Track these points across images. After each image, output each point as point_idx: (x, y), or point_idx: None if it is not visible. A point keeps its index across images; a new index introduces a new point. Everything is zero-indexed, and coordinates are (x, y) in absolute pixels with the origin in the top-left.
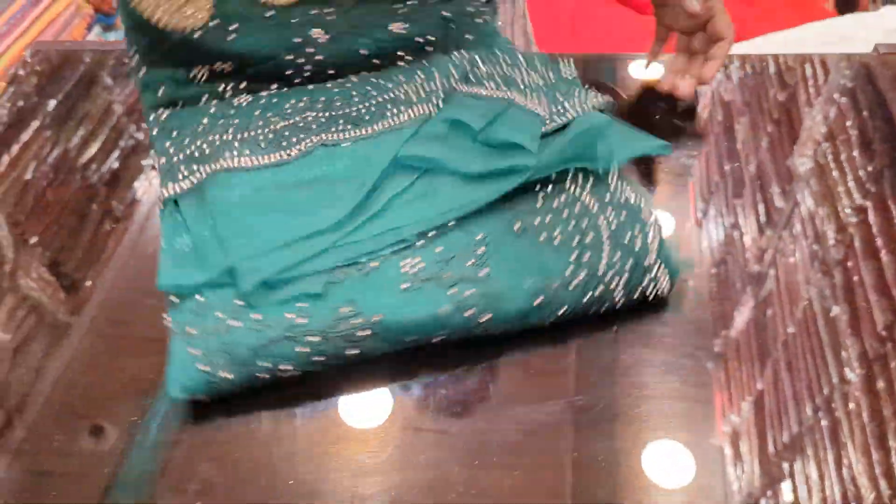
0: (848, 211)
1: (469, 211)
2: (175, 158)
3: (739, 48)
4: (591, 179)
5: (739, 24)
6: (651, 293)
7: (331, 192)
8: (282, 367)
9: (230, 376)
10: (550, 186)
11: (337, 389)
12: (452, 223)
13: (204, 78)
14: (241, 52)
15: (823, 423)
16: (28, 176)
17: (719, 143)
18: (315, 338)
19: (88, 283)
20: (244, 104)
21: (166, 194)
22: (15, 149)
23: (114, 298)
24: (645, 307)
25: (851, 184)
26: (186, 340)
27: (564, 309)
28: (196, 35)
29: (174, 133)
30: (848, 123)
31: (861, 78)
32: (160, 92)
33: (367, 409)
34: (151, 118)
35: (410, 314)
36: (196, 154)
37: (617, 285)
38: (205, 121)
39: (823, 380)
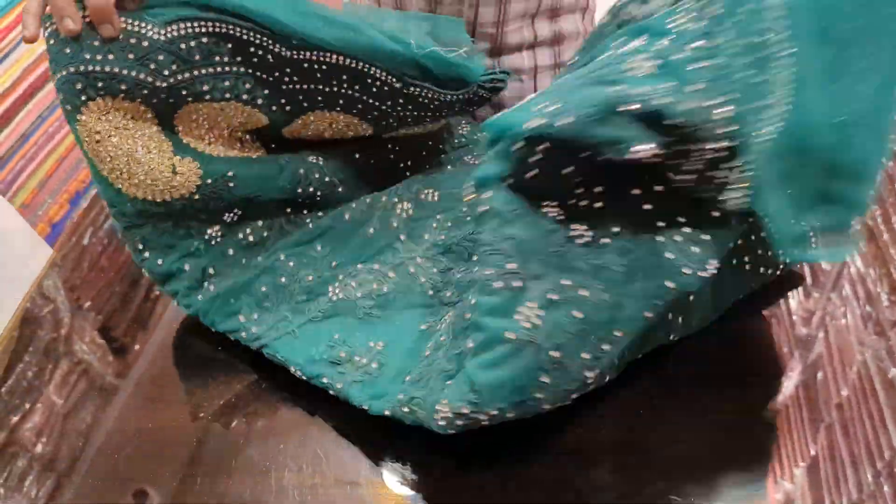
0: None
1: None
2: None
3: None
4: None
5: None
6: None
7: None
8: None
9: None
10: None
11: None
12: None
13: (220, 235)
14: (246, 195)
15: (886, 488)
16: (85, 241)
17: None
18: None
19: (136, 347)
20: (287, 261)
21: None
22: (75, 215)
23: (159, 363)
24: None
25: None
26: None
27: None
28: (196, 196)
29: (256, 317)
30: None
31: None
32: (186, 269)
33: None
34: (205, 300)
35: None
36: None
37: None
38: (263, 288)
39: (884, 443)
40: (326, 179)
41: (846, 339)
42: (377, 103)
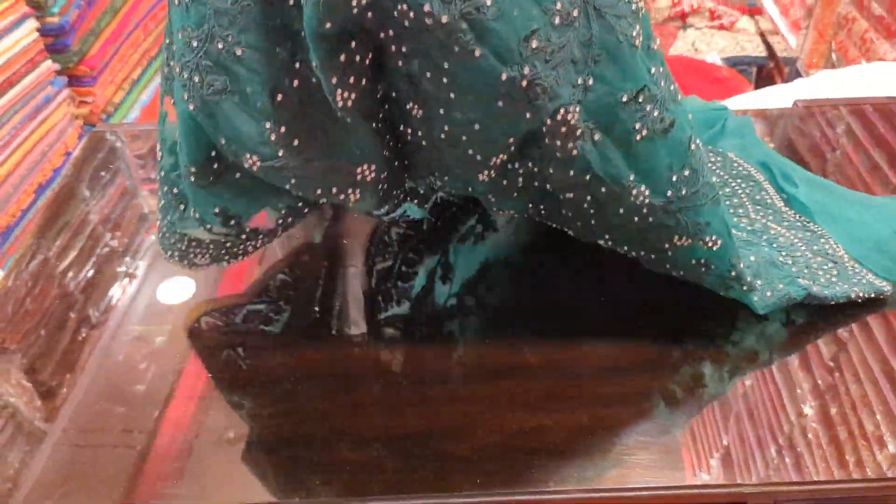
0: None
1: None
2: None
3: None
4: None
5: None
6: None
7: None
8: None
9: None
10: None
11: None
12: None
13: None
14: None
15: (787, 460)
16: (9, 283)
17: None
18: None
19: (64, 391)
20: None
21: None
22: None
23: (87, 406)
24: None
25: None
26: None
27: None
28: None
29: None
30: None
31: (779, 127)
32: None
33: None
34: None
35: None
36: None
37: None
38: None
39: (783, 419)
40: None
41: None
42: None
